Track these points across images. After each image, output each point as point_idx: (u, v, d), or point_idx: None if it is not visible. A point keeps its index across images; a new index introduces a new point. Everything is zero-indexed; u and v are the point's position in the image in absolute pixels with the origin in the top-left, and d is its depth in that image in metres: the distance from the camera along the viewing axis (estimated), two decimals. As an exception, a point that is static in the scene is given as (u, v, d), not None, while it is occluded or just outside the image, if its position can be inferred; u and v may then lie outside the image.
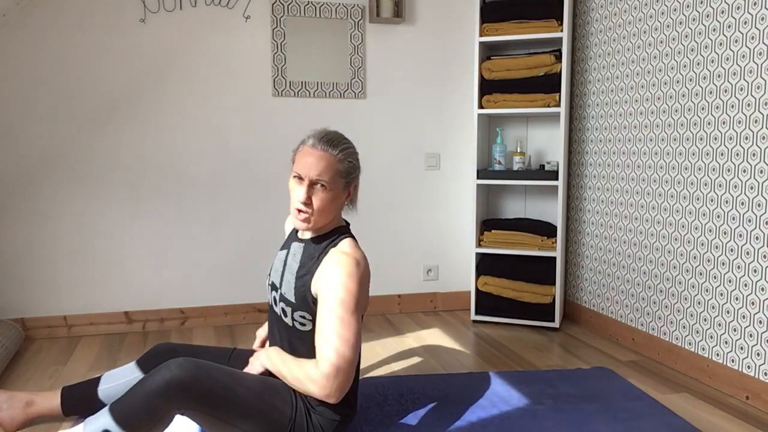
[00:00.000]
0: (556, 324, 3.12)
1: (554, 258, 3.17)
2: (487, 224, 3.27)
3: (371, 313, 3.41)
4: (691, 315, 2.48)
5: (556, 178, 3.10)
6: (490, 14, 3.12)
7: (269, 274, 1.87)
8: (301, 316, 1.72)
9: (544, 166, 3.22)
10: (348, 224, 1.85)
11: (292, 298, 1.72)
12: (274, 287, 1.82)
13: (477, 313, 3.26)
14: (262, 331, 2.09)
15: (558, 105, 3.07)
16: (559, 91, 3.08)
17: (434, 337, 3.01)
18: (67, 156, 2.95)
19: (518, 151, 3.25)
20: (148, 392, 1.55)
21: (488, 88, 3.18)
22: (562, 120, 3.07)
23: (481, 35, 3.14)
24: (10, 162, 2.89)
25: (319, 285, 1.67)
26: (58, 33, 2.88)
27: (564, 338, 3.00)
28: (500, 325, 3.21)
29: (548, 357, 2.71)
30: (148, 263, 3.08)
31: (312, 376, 1.60)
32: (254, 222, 3.21)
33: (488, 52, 3.32)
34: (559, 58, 3.07)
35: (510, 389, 2.28)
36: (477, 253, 3.29)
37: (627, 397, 2.21)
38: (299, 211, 1.68)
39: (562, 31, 3.03)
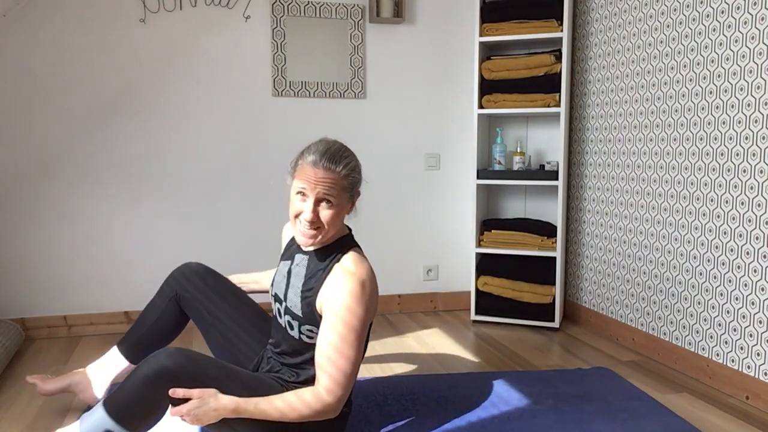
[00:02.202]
0: (556, 324, 3.12)
1: (554, 258, 3.17)
2: (487, 224, 3.27)
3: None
4: (691, 315, 2.48)
5: (556, 178, 3.10)
6: (490, 14, 3.12)
7: (272, 285, 1.86)
8: (308, 330, 1.71)
9: (544, 166, 3.22)
10: (350, 230, 1.82)
11: (299, 313, 1.71)
12: (277, 299, 1.81)
13: (477, 313, 3.26)
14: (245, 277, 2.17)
15: (558, 105, 3.07)
16: (559, 91, 3.08)
17: (434, 337, 3.01)
18: (67, 156, 2.95)
19: (518, 151, 3.25)
20: (139, 383, 1.54)
21: (488, 88, 3.18)
22: (562, 120, 3.07)
23: (481, 35, 3.14)
24: (9, 162, 2.89)
25: (323, 304, 1.65)
26: (58, 33, 2.89)
27: (564, 338, 3.00)
28: (500, 325, 3.22)
29: (548, 357, 2.71)
30: (148, 263, 3.08)
31: (309, 404, 1.57)
32: (254, 222, 3.21)
33: (488, 52, 3.32)
34: (559, 58, 3.07)
35: (510, 389, 2.28)
36: (477, 253, 3.29)
37: (627, 397, 2.21)
38: (306, 230, 1.65)
39: (562, 31, 3.03)
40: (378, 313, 3.42)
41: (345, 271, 1.63)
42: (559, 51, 3.08)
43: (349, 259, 1.68)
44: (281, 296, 1.79)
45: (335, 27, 3.20)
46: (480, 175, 3.20)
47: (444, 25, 3.39)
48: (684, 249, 2.51)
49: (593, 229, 3.12)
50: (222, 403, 1.54)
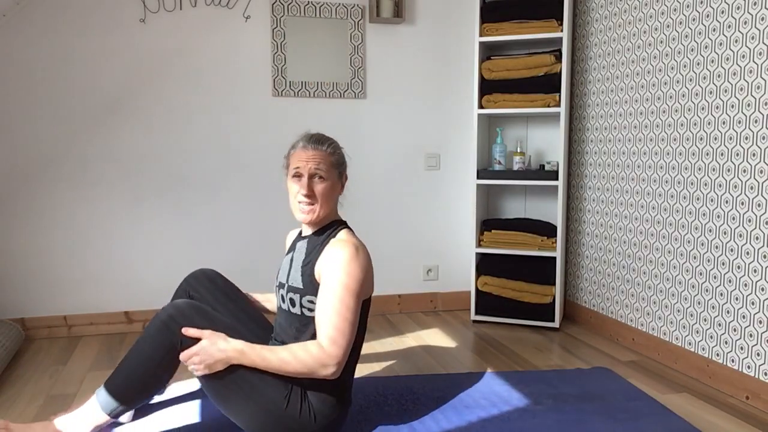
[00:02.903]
0: (556, 324, 3.12)
1: (554, 258, 3.17)
2: (487, 224, 3.27)
3: (372, 313, 3.41)
4: (691, 315, 2.48)
5: (556, 178, 3.10)
6: (490, 14, 3.12)
7: (276, 278, 1.96)
8: (309, 301, 1.80)
9: (544, 166, 3.22)
10: (345, 222, 1.95)
11: (300, 285, 1.82)
12: (281, 286, 1.90)
13: (477, 313, 3.26)
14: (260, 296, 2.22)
15: (558, 105, 3.07)
16: (559, 91, 3.08)
17: (434, 337, 3.01)
18: (67, 156, 2.95)
19: (518, 151, 3.25)
20: (151, 333, 1.69)
21: (488, 88, 3.18)
22: (562, 120, 3.07)
23: (481, 35, 3.14)
24: (10, 161, 2.89)
25: (321, 269, 1.77)
26: (58, 33, 2.89)
27: (564, 338, 3.00)
28: (500, 325, 3.21)
29: (548, 357, 2.71)
30: (148, 263, 3.08)
31: (310, 351, 1.66)
32: (254, 221, 3.21)
33: (488, 52, 3.32)
34: (559, 58, 3.07)
35: (510, 389, 2.28)
36: (477, 253, 3.29)
37: (627, 397, 2.21)
38: (303, 203, 1.83)
39: (562, 31, 3.03)
40: (378, 313, 3.42)
41: (339, 240, 1.80)
42: (559, 51, 3.08)
43: (342, 232, 1.87)
44: (284, 281, 1.89)
45: (335, 27, 3.20)
46: (480, 175, 3.20)
47: (444, 25, 3.39)
48: (684, 249, 2.51)
49: (593, 229, 3.12)
50: (230, 344, 1.66)
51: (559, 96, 3.07)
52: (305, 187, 1.82)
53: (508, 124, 3.46)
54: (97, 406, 1.74)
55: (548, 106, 3.08)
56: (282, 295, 1.89)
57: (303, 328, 1.82)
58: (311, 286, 1.79)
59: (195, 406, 2.14)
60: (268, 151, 3.20)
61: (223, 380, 1.69)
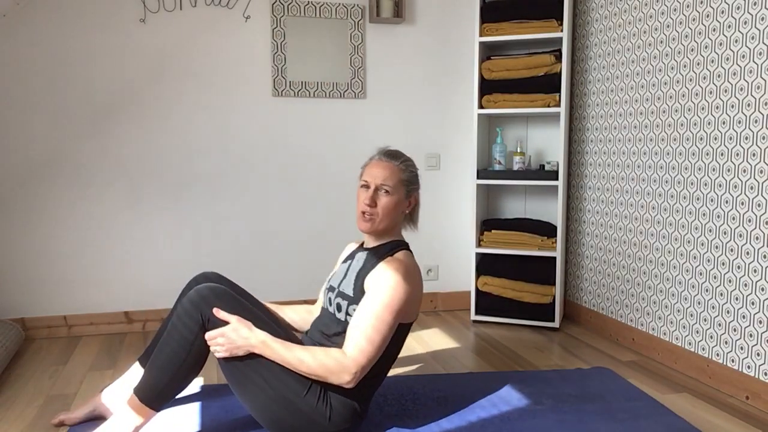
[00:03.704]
0: (556, 324, 3.12)
1: (554, 258, 3.17)
2: (487, 224, 3.27)
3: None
4: (691, 315, 2.48)
5: (556, 178, 3.10)
6: (490, 14, 3.12)
7: (328, 281, 2.00)
8: (354, 310, 1.82)
9: (544, 166, 3.22)
10: (408, 244, 1.97)
11: (350, 292, 1.85)
12: (332, 289, 1.94)
13: (477, 313, 3.26)
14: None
15: (558, 105, 3.07)
16: (559, 91, 3.08)
17: (434, 337, 3.01)
18: (66, 156, 2.95)
19: (518, 151, 3.25)
20: (180, 316, 1.72)
21: (488, 88, 3.18)
22: (562, 120, 3.07)
23: (481, 35, 3.14)
24: (10, 161, 2.89)
25: (370, 283, 1.80)
26: (58, 33, 2.89)
27: (564, 338, 3.00)
28: (500, 325, 3.21)
29: (548, 357, 2.71)
30: (148, 263, 3.08)
31: (332, 355, 1.69)
32: (254, 221, 3.21)
33: (488, 52, 3.32)
34: (559, 58, 3.07)
35: (510, 389, 2.28)
36: (477, 253, 3.29)
37: (627, 397, 2.21)
38: (364, 213, 1.88)
39: (562, 31, 3.03)
40: (378, 313, 3.42)
41: (395, 259, 1.83)
42: (559, 51, 3.08)
43: (401, 253, 1.88)
44: (336, 285, 1.93)
45: (335, 27, 3.20)
46: (480, 175, 3.20)
47: (444, 25, 3.39)
48: (684, 249, 2.51)
49: (593, 229, 3.12)
50: (255, 332, 1.69)
51: (559, 96, 3.07)
52: (369, 198, 1.86)
53: (508, 124, 3.46)
54: (136, 401, 1.71)
55: (548, 106, 3.08)
56: (330, 298, 1.93)
57: (342, 333, 1.84)
58: (359, 296, 1.82)
59: (195, 408, 2.14)
60: (268, 151, 3.20)
61: (245, 362, 1.71)
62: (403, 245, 1.93)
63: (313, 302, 3.32)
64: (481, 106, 3.19)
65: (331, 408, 1.74)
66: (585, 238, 3.19)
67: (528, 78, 3.11)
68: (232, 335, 1.69)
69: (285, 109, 3.20)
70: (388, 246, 1.91)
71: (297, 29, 3.15)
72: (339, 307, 1.87)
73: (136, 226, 3.05)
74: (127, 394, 2.00)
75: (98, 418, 1.99)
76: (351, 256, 1.99)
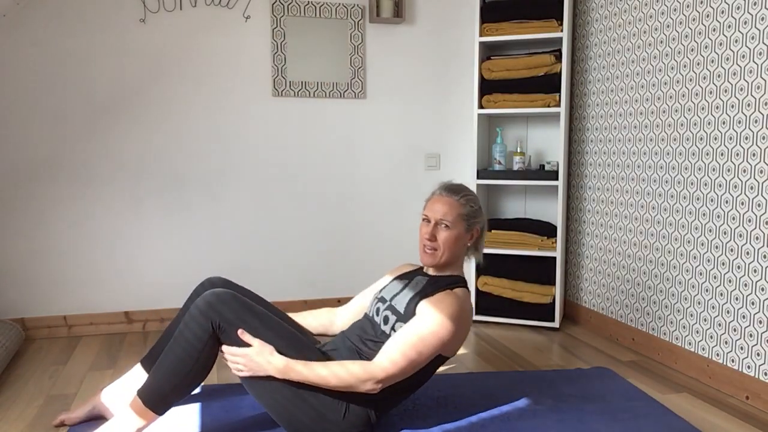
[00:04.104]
0: (556, 324, 3.12)
1: (554, 258, 3.17)
2: (487, 224, 3.26)
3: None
4: (691, 315, 2.48)
5: (556, 178, 3.10)
6: (490, 14, 3.12)
7: (380, 291, 2.02)
8: (400, 327, 1.84)
9: (544, 166, 3.22)
10: (466, 282, 1.99)
11: (401, 309, 1.87)
12: (383, 300, 1.97)
13: (477, 313, 3.26)
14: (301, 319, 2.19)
15: (558, 105, 3.07)
16: (559, 91, 3.08)
17: (434, 337, 3.00)
18: (66, 156, 2.95)
19: (518, 151, 3.25)
20: (190, 321, 1.72)
21: (488, 88, 3.18)
22: (562, 120, 3.07)
23: (481, 35, 3.14)
24: (9, 162, 2.89)
25: (423, 308, 1.82)
26: (58, 33, 2.88)
27: (564, 338, 3.00)
28: (500, 325, 3.21)
29: (548, 357, 2.71)
30: (148, 263, 3.08)
31: (363, 367, 1.71)
32: (254, 221, 3.21)
33: (488, 52, 3.32)
34: (559, 58, 3.07)
35: (510, 389, 2.28)
36: (477, 253, 3.28)
37: (627, 397, 2.21)
38: (425, 246, 1.92)
39: (562, 31, 3.03)
40: (378, 313, 3.42)
41: (453, 294, 1.85)
42: (559, 51, 3.08)
43: (460, 290, 1.90)
44: (388, 297, 1.96)
45: (335, 27, 3.20)
46: (480, 175, 3.20)
47: (444, 25, 3.39)
48: (684, 249, 2.51)
49: (593, 229, 3.12)
50: (276, 358, 1.70)
51: (559, 96, 3.07)
52: (428, 232, 1.91)
53: (508, 124, 3.46)
54: (140, 404, 1.71)
55: (548, 106, 3.08)
56: (379, 308, 1.95)
57: (380, 342, 1.85)
58: (409, 316, 1.83)
59: (195, 408, 2.14)
60: (268, 151, 3.20)
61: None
62: (463, 282, 1.94)
63: (320, 305, 3.32)
64: (481, 106, 3.19)
65: (347, 409, 1.76)
66: (585, 238, 3.19)
67: (528, 78, 3.11)
68: (257, 358, 1.70)
69: (285, 109, 3.20)
70: (449, 279, 1.93)
71: (297, 29, 3.15)
72: (386, 320, 1.89)
73: (136, 225, 3.05)
74: (129, 395, 2.00)
75: (98, 417, 1.99)
76: (408, 277, 2.01)
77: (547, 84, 3.08)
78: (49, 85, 2.90)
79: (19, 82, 2.86)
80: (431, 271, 1.99)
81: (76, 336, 3.01)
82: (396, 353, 1.73)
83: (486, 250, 3.21)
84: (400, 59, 3.34)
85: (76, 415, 1.99)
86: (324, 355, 1.83)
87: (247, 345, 1.73)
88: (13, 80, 2.85)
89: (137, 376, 2.03)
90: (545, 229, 3.17)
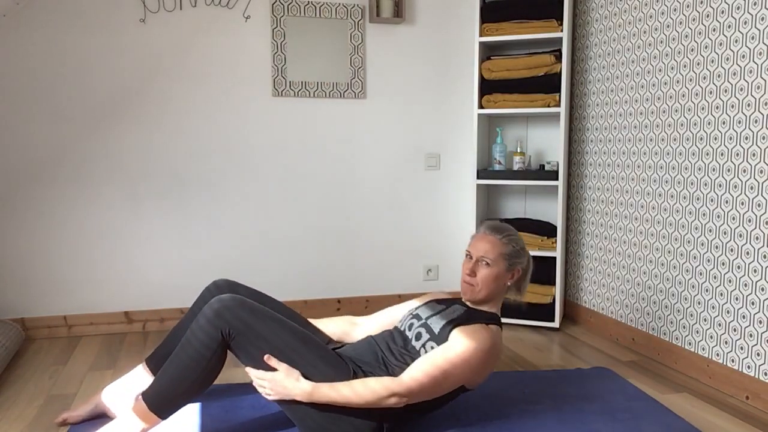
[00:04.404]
0: (556, 324, 3.12)
1: (554, 258, 3.17)
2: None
3: (372, 313, 3.41)
4: (691, 315, 2.48)
5: (556, 178, 3.10)
6: (490, 14, 3.12)
7: (416, 309, 2.04)
8: (431, 347, 1.86)
9: (544, 166, 3.22)
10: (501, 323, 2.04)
11: (436, 330, 1.88)
12: (417, 317, 1.98)
13: (477, 313, 3.26)
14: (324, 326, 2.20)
15: (558, 105, 3.07)
16: (559, 91, 3.08)
17: (434, 337, 3.00)
18: (66, 156, 2.95)
19: (518, 151, 3.25)
20: (200, 328, 1.72)
21: (488, 88, 3.18)
22: (562, 120, 3.07)
23: (481, 35, 3.14)
24: (10, 161, 2.89)
25: (457, 335, 1.83)
26: (57, 33, 2.89)
27: (564, 338, 3.00)
28: (500, 325, 3.21)
29: (548, 357, 2.71)
30: (148, 263, 3.08)
31: (388, 383, 1.72)
32: (254, 221, 3.21)
33: (488, 52, 3.32)
34: (559, 58, 3.07)
35: (510, 389, 2.28)
36: (477, 253, 3.28)
37: (627, 397, 2.21)
38: (465, 283, 1.96)
39: (562, 31, 3.03)
40: (378, 313, 3.42)
41: (489, 329, 1.87)
42: (559, 51, 3.08)
43: (495, 328, 1.92)
44: (424, 316, 1.97)
45: (335, 27, 3.20)
46: (480, 175, 3.20)
47: (444, 25, 3.39)
48: (684, 249, 2.51)
49: (593, 229, 3.12)
50: (303, 383, 1.71)
51: (559, 96, 3.07)
52: (469, 268, 1.95)
53: (508, 124, 3.46)
54: (144, 408, 1.71)
55: (548, 106, 3.08)
56: (412, 323, 1.97)
57: (409, 360, 1.87)
58: (443, 339, 1.85)
59: (195, 408, 2.14)
60: (268, 151, 3.20)
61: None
62: (498, 321, 1.96)
63: (319, 305, 3.32)
64: (481, 106, 3.19)
65: (361, 411, 1.76)
66: (585, 238, 3.19)
67: (528, 78, 3.11)
68: (284, 382, 1.72)
69: (285, 109, 3.20)
70: (486, 315, 1.95)
71: (297, 29, 3.15)
72: (419, 336, 1.91)
73: (136, 225, 3.05)
74: (131, 395, 2.00)
75: (100, 416, 2.00)
76: (446, 303, 2.03)
77: (547, 84, 3.08)
78: (49, 85, 2.90)
79: (19, 82, 2.86)
80: (469, 303, 2.01)
81: (76, 336, 3.01)
82: (419, 372, 1.75)
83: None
84: (400, 59, 3.34)
85: (78, 414, 1.99)
86: (335, 354, 1.83)
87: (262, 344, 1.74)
88: (13, 80, 2.85)
89: (140, 376, 2.03)
90: (545, 229, 3.17)
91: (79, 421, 1.99)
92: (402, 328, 2.00)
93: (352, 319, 2.20)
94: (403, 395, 1.72)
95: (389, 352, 1.91)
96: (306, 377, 1.74)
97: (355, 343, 2.00)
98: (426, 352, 1.86)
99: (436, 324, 1.91)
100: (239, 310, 1.75)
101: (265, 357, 1.73)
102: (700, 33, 2.39)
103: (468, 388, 1.90)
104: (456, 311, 1.96)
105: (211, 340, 1.71)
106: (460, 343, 1.80)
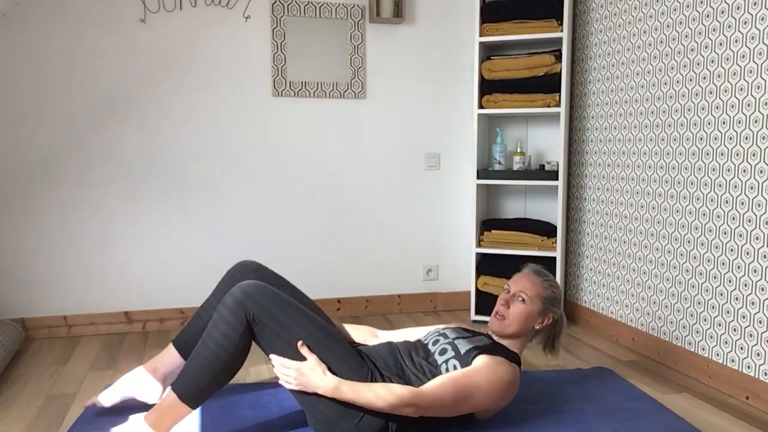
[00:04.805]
0: (556, 324, 3.11)
1: (554, 258, 3.17)
2: (487, 224, 3.27)
3: (371, 313, 3.41)
4: (691, 315, 2.48)
5: (556, 178, 3.10)
6: (490, 14, 3.12)
7: (443, 328, 2.06)
8: (453, 366, 1.86)
9: (544, 166, 3.22)
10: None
11: (461, 351, 1.90)
12: (445, 336, 2.00)
13: (477, 313, 3.26)
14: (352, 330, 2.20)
15: (558, 105, 3.07)
16: (559, 91, 3.08)
17: (434, 337, 3.00)
18: (67, 156, 2.95)
19: (518, 151, 3.25)
20: (223, 316, 1.73)
21: (488, 88, 3.18)
22: (562, 120, 3.07)
23: (481, 35, 3.14)
24: (10, 161, 2.89)
25: (480, 361, 1.84)
26: (58, 33, 2.89)
27: (564, 338, 2.99)
28: (500, 325, 3.21)
29: (548, 357, 2.71)
30: (148, 263, 3.08)
31: (408, 391, 1.72)
32: (254, 221, 3.21)
33: (488, 52, 3.32)
34: (559, 58, 3.07)
35: (510, 389, 2.28)
36: (477, 253, 3.29)
37: (627, 397, 2.21)
38: (497, 312, 2.00)
39: (562, 31, 3.03)
40: (378, 313, 3.42)
41: (511, 365, 1.89)
42: (559, 51, 3.08)
43: (516, 366, 1.92)
44: (451, 336, 1.98)
45: (335, 27, 3.20)
46: (480, 175, 3.20)
47: (444, 25, 3.39)
48: (684, 249, 2.51)
49: (593, 229, 3.12)
50: (328, 378, 1.71)
51: (559, 96, 3.07)
52: (504, 298, 2.00)
53: (508, 124, 3.46)
54: (175, 398, 1.73)
55: (548, 106, 3.08)
56: (439, 339, 1.98)
57: (429, 374, 1.87)
58: (465, 361, 1.86)
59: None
60: (268, 151, 3.20)
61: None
62: (519, 361, 1.96)
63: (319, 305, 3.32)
64: (481, 106, 3.19)
65: (361, 419, 1.76)
66: (585, 238, 3.19)
67: (528, 78, 3.11)
68: (309, 374, 1.71)
69: (285, 109, 3.20)
70: (508, 352, 1.95)
71: (297, 29, 3.15)
72: (443, 351, 1.91)
73: (136, 225, 3.05)
74: (160, 377, 2.05)
75: (130, 399, 2.05)
76: (472, 332, 2.04)
77: (547, 84, 3.08)
78: (49, 85, 2.90)
79: (19, 82, 2.86)
80: (495, 337, 2.03)
81: (76, 336, 3.01)
82: (438, 387, 1.75)
83: (486, 250, 3.21)
84: (400, 59, 3.34)
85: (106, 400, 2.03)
86: (353, 351, 1.84)
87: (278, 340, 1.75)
88: (13, 80, 2.85)
89: (171, 354, 2.07)
90: (545, 229, 3.17)
91: (110, 406, 2.03)
92: (426, 342, 2.01)
93: (374, 330, 2.21)
94: (421, 408, 1.73)
95: (409, 360, 1.91)
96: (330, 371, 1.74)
97: (374, 345, 2.01)
98: (447, 368, 1.86)
99: (463, 346, 1.91)
100: (260, 297, 1.75)
101: (299, 344, 1.73)
102: (700, 33, 2.39)
103: (477, 417, 1.91)
104: (482, 341, 1.97)
105: (233, 330, 1.72)
106: (485, 369, 1.81)
